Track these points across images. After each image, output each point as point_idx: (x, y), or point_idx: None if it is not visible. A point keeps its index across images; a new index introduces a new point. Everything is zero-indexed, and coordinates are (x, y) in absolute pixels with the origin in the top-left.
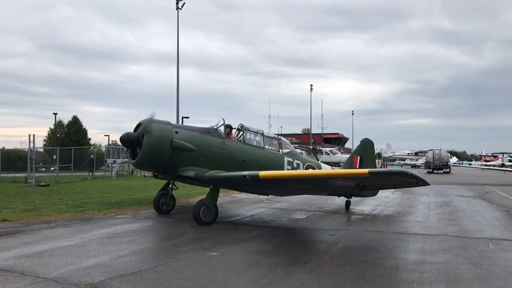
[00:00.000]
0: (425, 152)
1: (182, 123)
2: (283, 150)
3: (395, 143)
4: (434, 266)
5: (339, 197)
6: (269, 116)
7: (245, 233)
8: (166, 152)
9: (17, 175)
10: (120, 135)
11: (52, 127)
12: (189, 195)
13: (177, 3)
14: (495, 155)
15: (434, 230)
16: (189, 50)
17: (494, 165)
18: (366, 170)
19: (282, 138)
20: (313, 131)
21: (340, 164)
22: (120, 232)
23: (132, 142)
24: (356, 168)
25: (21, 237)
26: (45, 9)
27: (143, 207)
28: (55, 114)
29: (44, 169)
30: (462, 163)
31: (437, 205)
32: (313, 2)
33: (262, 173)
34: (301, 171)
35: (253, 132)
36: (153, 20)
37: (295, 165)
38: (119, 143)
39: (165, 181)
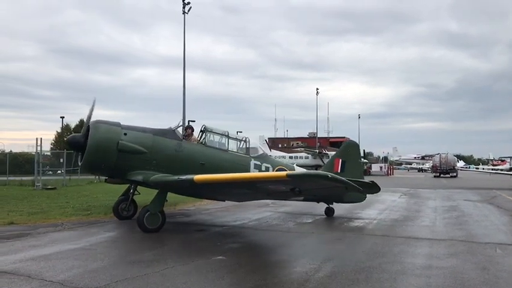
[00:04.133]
0: (432, 155)
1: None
2: (251, 153)
3: (402, 147)
4: (441, 271)
5: (318, 202)
6: (275, 120)
7: (251, 236)
8: (111, 154)
9: (24, 178)
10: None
11: (59, 130)
12: (196, 199)
13: (184, 7)
14: (503, 159)
15: (441, 235)
16: (196, 53)
17: (502, 169)
18: (284, 173)
19: (254, 140)
20: (320, 135)
21: None
22: (126, 235)
23: (77, 144)
24: (337, 172)
25: (28, 240)
26: (53, 13)
27: None
28: (62, 117)
29: (51, 172)
30: (469, 167)
31: (444, 209)
32: (320, 6)
33: (197, 176)
34: (230, 175)
35: (217, 133)
36: (160, 24)
37: (263, 169)
38: None
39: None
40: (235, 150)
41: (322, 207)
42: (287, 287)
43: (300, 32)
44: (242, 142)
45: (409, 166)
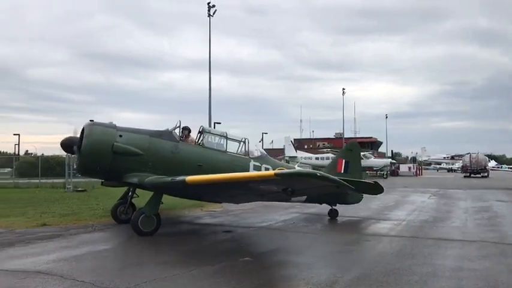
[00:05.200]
0: (462, 155)
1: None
2: (250, 154)
3: (430, 147)
4: (473, 273)
5: (321, 204)
6: (300, 121)
7: (278, 238)
8: (106, 157)
9: (55, 181)
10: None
11: None
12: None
13: (209, 11)
14: None
15: (473, 236)
16: (222, 55)
17: None
18: (272, 172)
19: (254, 141)
20: (346, 135)
21: (374, 168)
22: (157, 237)
23: (72, 147)
24: (341, 172)
25: (60, 241)
26: (82, 18)
27: (178, 212)
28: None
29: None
30: (501, 167)
31: (475, 210)
32: (345, 5)
33: (188, 177)
34: (221, 175)
35: (215, 135)
36: (187, 27)
37: (263, 170)
38: None
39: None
40: (235, 152)
41: (347, 209)
42: None
43: (325, 32)
44: (241, 143)
45: (438, 166)
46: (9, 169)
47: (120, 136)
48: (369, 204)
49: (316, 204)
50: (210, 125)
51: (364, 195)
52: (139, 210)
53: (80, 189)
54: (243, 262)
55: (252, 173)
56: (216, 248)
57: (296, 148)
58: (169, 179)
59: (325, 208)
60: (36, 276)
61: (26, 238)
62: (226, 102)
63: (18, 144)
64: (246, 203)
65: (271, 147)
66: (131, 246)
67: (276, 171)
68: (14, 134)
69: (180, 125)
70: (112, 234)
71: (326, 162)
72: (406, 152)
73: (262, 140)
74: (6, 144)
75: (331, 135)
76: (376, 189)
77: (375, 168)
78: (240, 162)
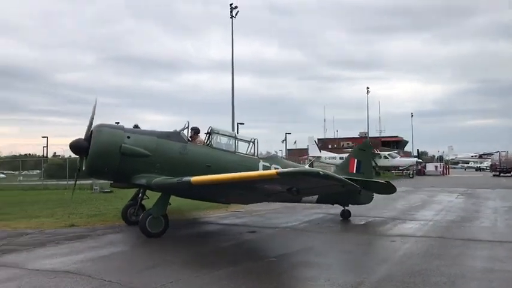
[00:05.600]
0: (490, 154)
1: (237, 129)
2: (259, 155)
3: (457, 146)
4: (504, 275)
5: (333, 204)
6: (324, 120)
7: (303, 238)
8: (114, 158)
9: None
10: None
11: None
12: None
13: (231, 12)
14: None
15: (503, 237)
16: (246, 56)
17: None
18: (274, 171)
19: (277, 142)
20: (371, 135)
21: (400, 167)
22: (181, 237)
23: (80, 149)
24: (353, 172)
25: (88, 241)
26: (109, 22)
27: (202, 213)
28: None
29: None
30: None
31: (505, 210)
32: (371, 3)
33: (194, 178)
34: (225, 175)
35: (224, 135)
36: (211, 29)
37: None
38: None
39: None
40: (244, 152)
41: (372, 209)
42: None
43: (349, 31)
44: (250, 144)
45: (466, 165)
46: (38, 171)
47: (128, 137)
48: (395, 204)
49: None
50: (233, 126)
51: (383, 196)
52: (146, 212)
53: (106, 190)
54: (268, 262)
55: (255, 172)
56: (240, 248)
57: (320, 148)
58: (175, 179)
59: (350, 208)
60: (65, 276)
61: (55, 238)
62: (250, 102)
63: (47, 147)
64: (254, 203)
65: (294, 147)
66: (155, 246)
67: (278, 170)
68: (43, 137)
69: (188, 126)
70: (137, 234)
71: None
72: (433, 151)
73: (285, 140)
74: (36, 146)
75: (356, 135)
76: (389, 189)
77: (400, 168)
78: (249, 163)
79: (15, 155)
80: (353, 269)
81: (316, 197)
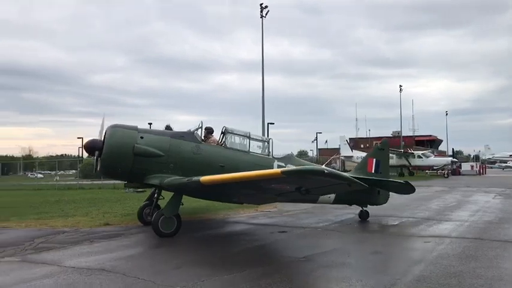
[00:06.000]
0: None
1: (268, 129)
2: (274, 154)
3: (494, 145)
4: None
5: (350, 205)
6: (356, 119)
7: (335, 238)
8: (127, 158)
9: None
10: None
11: None
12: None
13: (261, 12)
14: None
15: None
16: (275, 56)
17: None
18: (279, 170)
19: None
20: (404, 133)
21: (434, 167)
22: (211, 236)
23: (95, 149)
24: (371, 172)
25: (122, 240)
26: (139, 25)
27: (232, 212)
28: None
29: None
30: None
31: None
32: (401, 1)
33: (203, 177)
34: (232, 174)
35: (238, 135)
36: (240, 30)
37: None
38: None
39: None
40: (258, 152)
41: (405, 209)
42: None
43: (380, 29)
44: (265, 143)
45: (503, 165)
46: (74, 171)
47: (141, 138)
48: (429, 204)
49: (374, 206)
50: (263, 126)
51: (416, 196)
52: (159, 212)
53: (139, 189)
54: (298, 262)
55: (260, 171)
56: (270, 248)
57: (352, 148)
58: (185, 179)
59: (381, 209)
60: (100, 274)
61: (90, 237)
62: (280, 102)
63: (82, 147)
64: (265, 203)
65: (325, 147)
66: (186, 246)
67: (283, 169)
68: (78, 138)
69: (202, 126)
70: None
71: None
72: (468, 150)
73: (316, 139)
74: (71, 147)
75: (388, 134)
76: (408, 189)
77: (435, 168)
78: (263, 163)
79: (52, 156)
80: (386, 269)
81: (333, 197)
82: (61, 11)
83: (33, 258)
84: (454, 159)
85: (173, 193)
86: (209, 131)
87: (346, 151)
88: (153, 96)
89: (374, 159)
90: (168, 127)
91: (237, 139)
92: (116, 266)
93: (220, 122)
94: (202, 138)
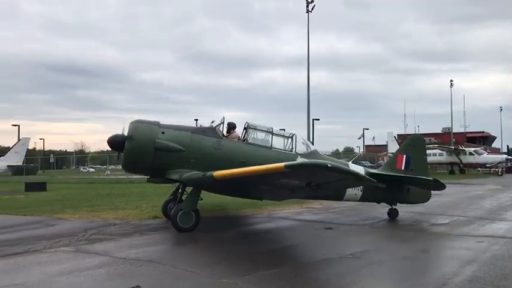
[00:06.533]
0: None
1: (313, 125)
2: (297, 150)
3: None
4: None
5: (379, 203)
6: (404, 115)
7: (382, 236)
8: (148, 153)
9: None
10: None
11: None
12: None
13: (307, 7)
14: None
15: None
16: (321, 51)
17: None
18: (282, 164)
19: (302, 137)
20: (455, 130)
21: (487, 165)
22: (258, 231)
23: (117, 145)
24: (400, 169)
25: (170, 232)
26: (186, 23)
27: (277, 208)
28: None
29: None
30: None
31: None
32: None
33: (216, 172)
34: (240, 169)
35: (261, 130)
36: (285, 26)
37: None
38: None
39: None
40: (281, 147)
41: (456, 208)
42: None
43: (430, 22)
44: (288, 139)
45: None
46: None
47: (163, 133)
48: (481, 203)
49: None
50: (309, 122)
51: (467, 194)
52: (177, 207)
53: None
54: (344, 259)
55: (265, 165)
56: (315, 245)
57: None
58: (201, 174)
59: (431, 207)
60: (149, 265)
61: (140, 229)
62: (326, 98)
63: None
64: (283, 199)
65: (372, 144)
66: (232, 240)
67: (286, 163)
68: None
69: (224, 121)
70: (219, 226)
71: (433, 158)
72: None
73: (363, 135)
74: None
75: (438, 130)
76: (436, 187)
77: (488, 165)
78: (285, 158)
79: (103, 151)
80: (436, 269)
81: (359, 195)
82: (112, 11)
83: (87, 249)
84: (509, 157)
85: (192, 188)
86: (231, 126)
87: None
88: (200, 93)
89: (404, 156)
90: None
91: (259, 135)
92: (165, 257)
93: (264, 119)
94: (224, 133)
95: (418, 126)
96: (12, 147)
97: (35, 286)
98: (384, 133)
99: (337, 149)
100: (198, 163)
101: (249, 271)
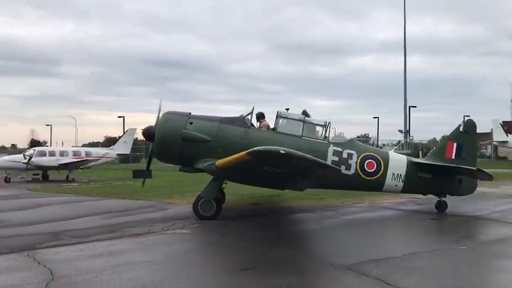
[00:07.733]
0: None
1: (409, 113)
2: (331, 139)
3: None
4: None
5: (425, 195)
6: (511, 101)
7: (495, 228)
8: (176, 144)
9: None
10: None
11: None
12: None
13: None
14: None
15: None
16: (416, 35)
17: None
18: (244, 152)
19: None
20: None
21: None
22: (359, 220)
23: (150, 136)
24: (451, 158)
25: (270, 218)
26: (274, 12)
27: (377, 198)
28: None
29: None
30: None
31: None
32: None
33: (219, 161)
34: (228, 158)
35: (291, 119)
36: (377, 10)
37: (344, 156)
38: None
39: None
40: (313, 137)
41: None
42: None
43: None
44: (322, 128)
45: None
46: None
47: (191, 123)
48: None
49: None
50: (405, 109)
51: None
52: (199, 195)
53: None
54: (458, 250)
55: (235, 155)
56: (425, 235)
57: (506, 132)
58: (209, 163)
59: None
60: (260, 245)
61: (243, 214)
62: (423, 84)
63: None
64: (285, 188)
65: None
66: (338, 228)
67: (249, 150)
68: None
69: (253, 111)
70: (316, 216)
71: None
72: None
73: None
74: None
75: None
76: (483, 176)
77: None
78: (316, 147)
79: None
80: None
81: (400, 185)
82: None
83: (200, 232)
84: None
85: (212, 177)
86: (260, 115)
87: (500, 135)
88: (290, 82)
89: (455, 144)
90: (304, 112)
91: (290, 123)
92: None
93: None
94: (252, 123)
95: None
96: (120, 137)
97: (162, 263)
98: (486, 120)
99: (434, 138)
100: (225, 152)
101: (357, 257)
